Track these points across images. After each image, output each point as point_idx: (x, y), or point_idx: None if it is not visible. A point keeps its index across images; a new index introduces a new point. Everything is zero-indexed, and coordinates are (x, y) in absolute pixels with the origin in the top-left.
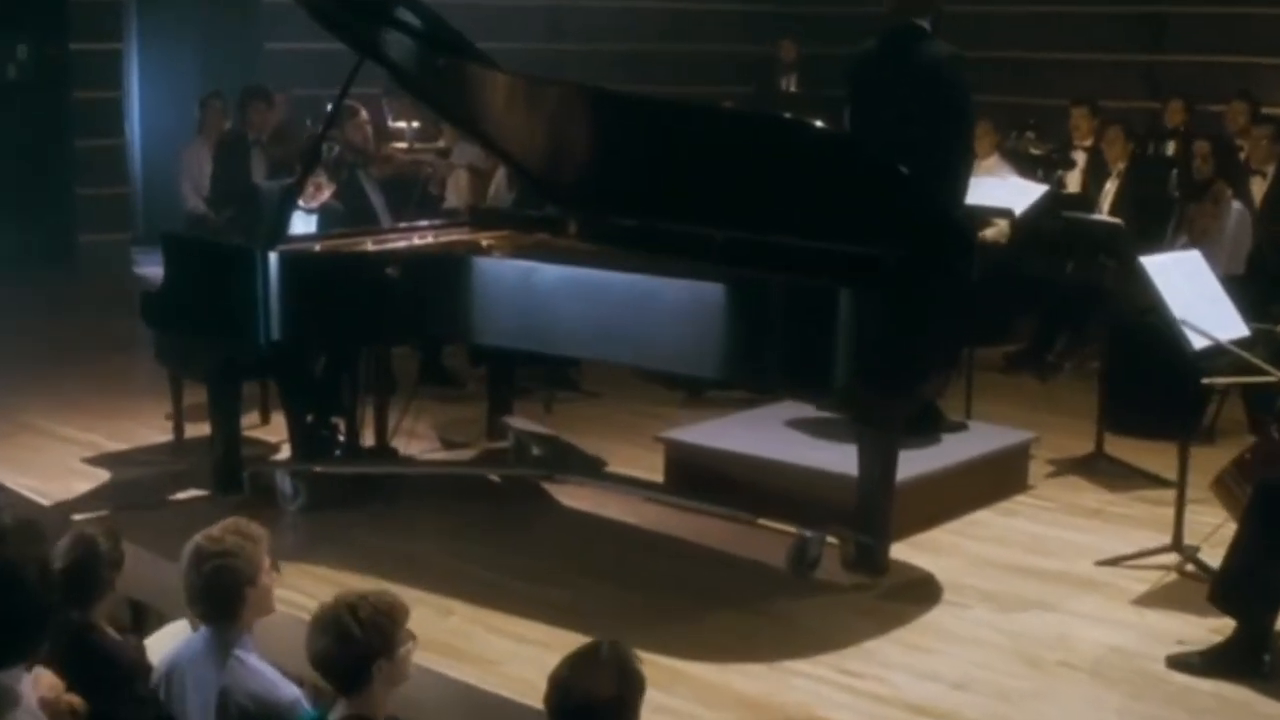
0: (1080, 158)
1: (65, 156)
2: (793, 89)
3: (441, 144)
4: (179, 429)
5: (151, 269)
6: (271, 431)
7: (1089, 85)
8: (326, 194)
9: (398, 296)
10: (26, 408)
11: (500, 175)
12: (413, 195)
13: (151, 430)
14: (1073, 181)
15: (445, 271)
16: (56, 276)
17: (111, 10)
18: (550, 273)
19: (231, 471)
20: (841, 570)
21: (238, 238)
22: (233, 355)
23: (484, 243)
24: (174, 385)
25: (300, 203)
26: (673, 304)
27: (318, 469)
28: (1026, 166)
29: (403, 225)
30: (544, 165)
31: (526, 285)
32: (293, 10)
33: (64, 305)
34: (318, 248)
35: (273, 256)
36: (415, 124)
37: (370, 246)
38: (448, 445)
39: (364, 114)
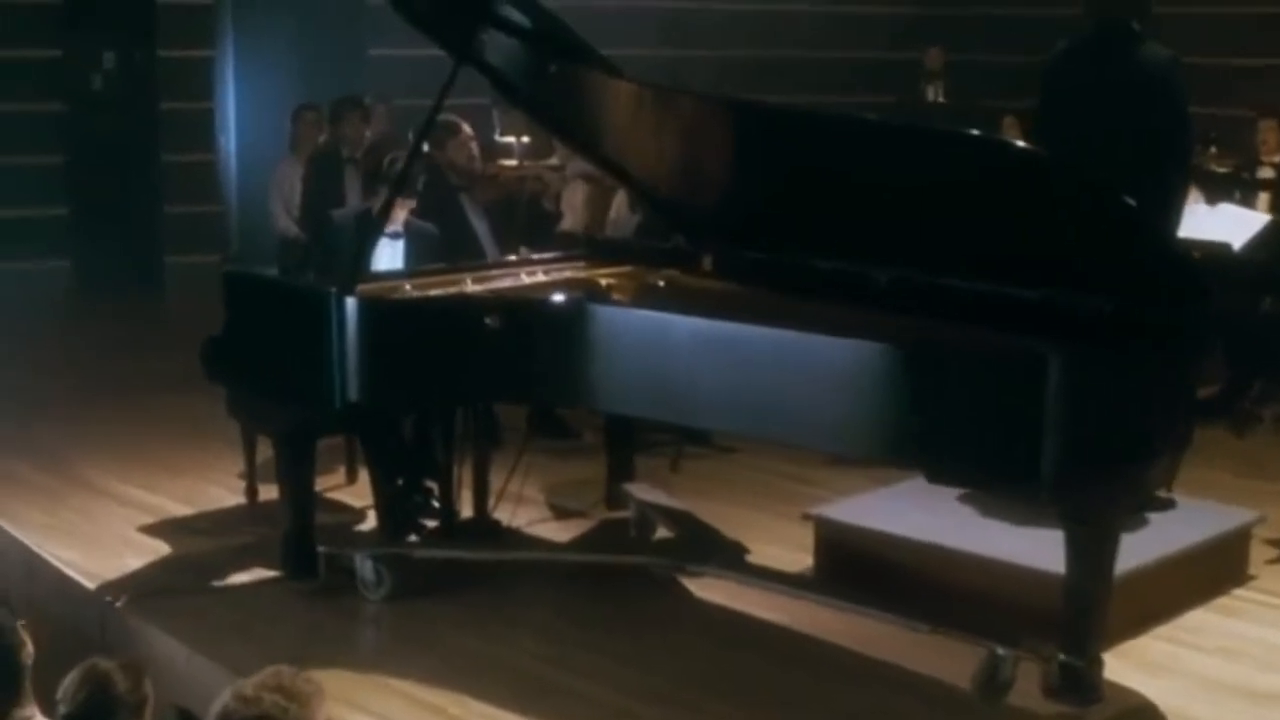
0: (1267, 174)
1: (153, 172)
2: (940, 99)
3: (555, 160)
4: (252, 491)
5: None
6: (357, 492)
7: (1277, 94)
8: (404, 213)
9: (501, 351)
10: (86, 459)
11: (621, 196)
12: (518, 214)
13: (223, 490)
14: (1260, 203)
15: (559, 322)
16: (140, 301)
17: (203, 14)
18: (684, 327)
19: (304, 553)
20: (1042, 696)
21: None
22: (304, 418)
23: (603, 282)
24: (246, 439)
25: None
26: (834, 368)
27: (404, 553)
28: (1217, 187)
29: (509, 260)
30: (674, 189)
31: (657, 341)
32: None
33: (145, 334)
34: (407, 286)
35: (350, 302)
36: (526, 139)
37: (470, 286)
38: (559, 513)
39: (466, 130)
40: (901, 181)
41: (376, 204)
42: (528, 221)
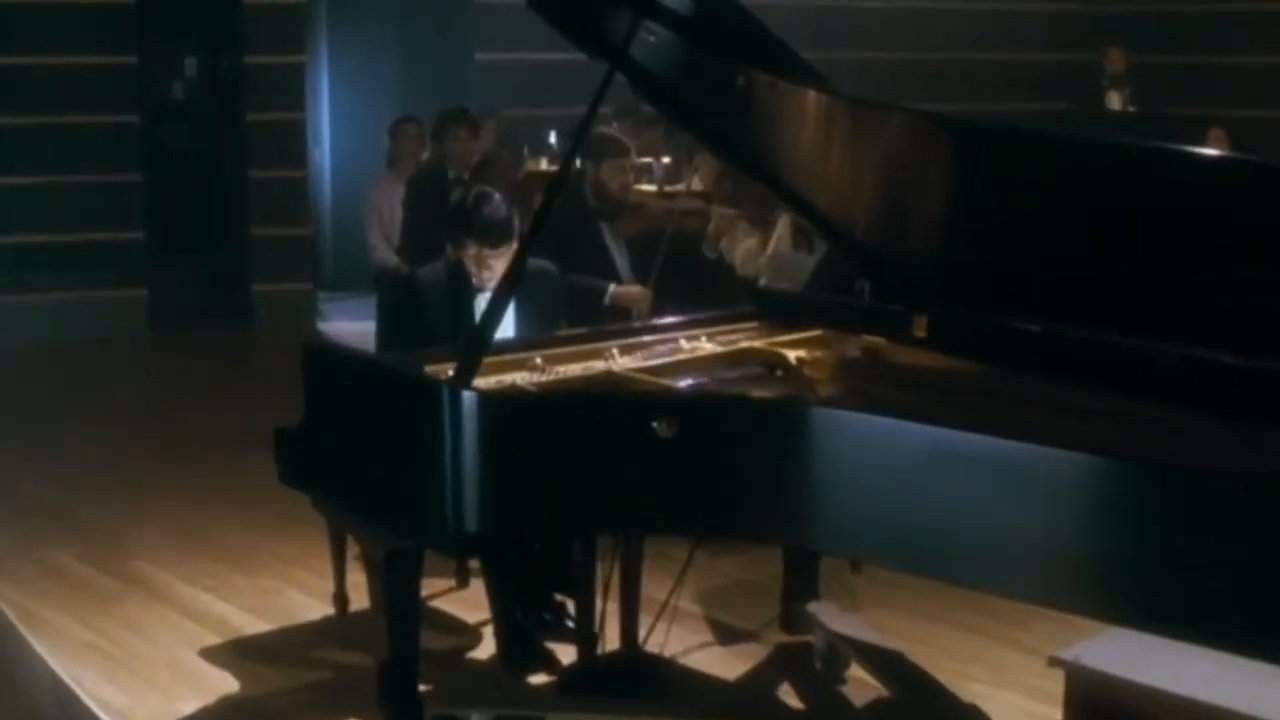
0: None
1: (239, 190)
2: (1129, 106)
3: (695, 185)
4: (341, 601)
5: (342, 324)
6: (470, 603)
7: None
8: (499, 266)
9: (674, 468)
10: (145, 546)
11: (784, 230)
12: (661, 256)
13: (307, 596)
14: None
15: (759, 430)
16: (225, 333)
17: (295, 17)
18: (934, 442)
19: (406, 707)
20: None
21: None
22: (406, 546)
23: (790, 356)
24: (334, 537)
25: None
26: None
27: (531, 714)
28: None
29: (664, 321)
30: (877, 229)
31: (895, 461)
32: (508, 14)
33: (228, 376)
34: (538, 359)
35: (468, 399)
36: (666, 160)
37: (619, 361)
38: (723, 634)
39: (632, 155)
40: (1204, 230)
41: (467, 254)
42: (678, 268)
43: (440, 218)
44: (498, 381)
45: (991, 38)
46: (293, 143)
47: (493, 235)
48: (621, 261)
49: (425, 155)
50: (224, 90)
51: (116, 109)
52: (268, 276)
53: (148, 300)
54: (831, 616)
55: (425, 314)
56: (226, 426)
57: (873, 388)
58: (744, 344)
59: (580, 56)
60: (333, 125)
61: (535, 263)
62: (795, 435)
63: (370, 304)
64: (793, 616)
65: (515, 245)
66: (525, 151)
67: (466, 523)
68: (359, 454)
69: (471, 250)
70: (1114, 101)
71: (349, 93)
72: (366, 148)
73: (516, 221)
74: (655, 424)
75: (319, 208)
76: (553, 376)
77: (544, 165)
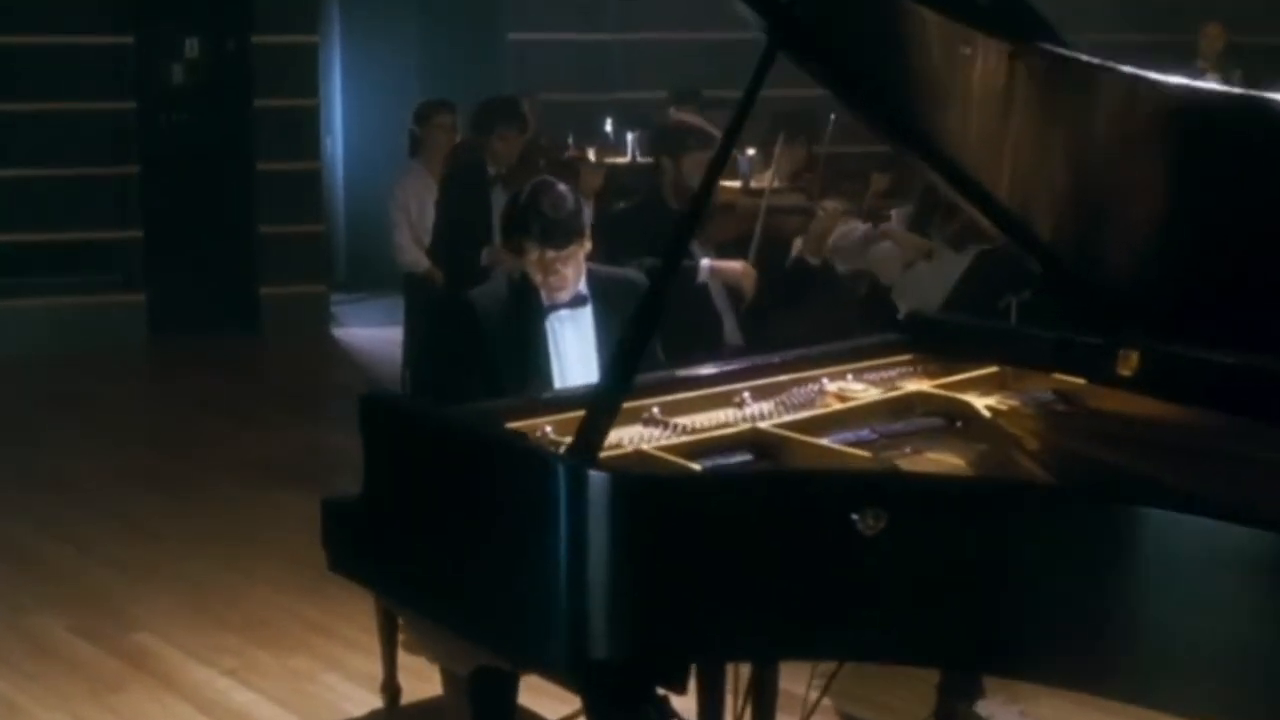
0: None
1: (246, 183)
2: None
3: (773, 181)
4: (391, 690)
5: (357, 330)
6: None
7: None
8: (570, 272)
9: (883, 576)
10: (148, 614)
11: (904, 236)
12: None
13: (347, 681)
14: None
15: (1036, 528)
16: (230, 340)
17: None
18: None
19: None
20: None
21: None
22: (500, 665)
23: (979, 405)
24: (383, 614)
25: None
26: None
27: None
28: None
29: (796, 355)
30: (1080, 237)
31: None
32: None
33: (237, 392)
34: (659, 425)
35: (597, 481)
36: (750, 151)
37: (751, 407)
38: None
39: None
40: None
41: (529, 261)
42: (777, 276)
43: (479, 217)
44: (617, 446)
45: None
46: (304, 132)
47: (558, 233)
48: (713, 279)
49: (457, 142)
50: (229, 74)
51: (110, 95)
52: (277, 278)
53: (146, 304)
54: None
55: (488, 347)
56: (238, 454)
57: (1101, 451)
58: (909, 387)
59: (624, 35)
60: (346, 112)
61: (620, 272)
62: (1096, 540)
63: (388, 307)
64: (953, 716)
65: (586, 244)
66: (570, 140)
67: (590, 646)
68: (440, 544)
69: (534, 255)
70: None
71: (365, 76)
72: (385, 137)
73: (587, 214)
74: (856, 516)
75: (333, 203)
76: (682, 435)
77: (592, 156)
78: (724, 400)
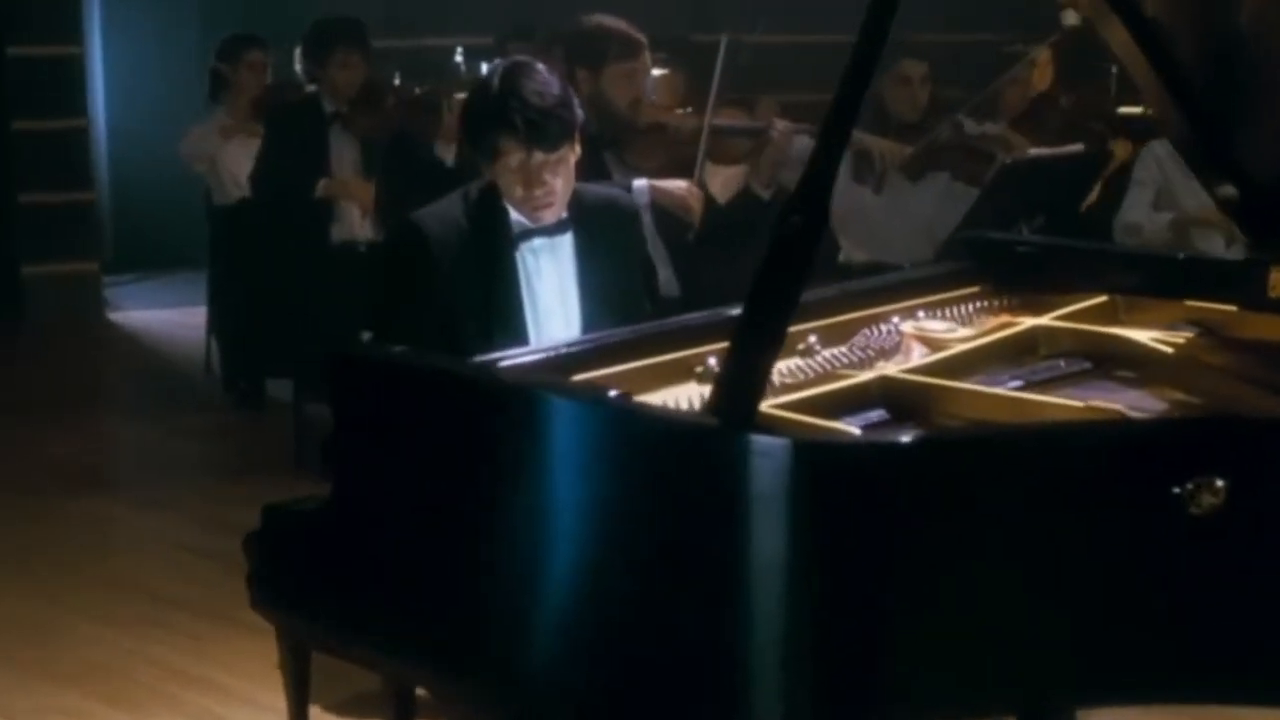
0: None
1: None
2: None
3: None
4: None
5: (134, 314)
6: None
7: None
8: (559, 183)
9: (1217, 581)
10: None
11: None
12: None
13: None
14: None
15: None
16: None
17: None
18: None
19: None
20: None
21: None
22: None
23: (1140, 338)
24: (293, 662)
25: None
26: None
27: None
28: None
29: (854, 288)
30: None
31: None
32: None
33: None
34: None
35: (778, 450)
36: (657, 71)
37: (815, 360)
38: None
39: (645, 56)
40: None
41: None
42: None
43: (316, 161)
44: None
45: None
46: (68, 84)
47: (549, 129)
48: (645, 215)
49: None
50: None
51: None
52: (41, 255)
53: None
54: None
55: (442, 283)
56: (16, 456)
57: None
58: (1007, 322)
59: None
60: (108, 62)
61: (605, 190)
62: None
63: (164, 288)
64: None
65: (578, 147)
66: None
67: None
68: (492, 567)
69: (515, 159)
70: None
71: (132, 17)
72: (158, 88)
73: (578, 107)
74: (1181, 490)
75: (98, 167)
76: (780, 394)
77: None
78: (786, 346)
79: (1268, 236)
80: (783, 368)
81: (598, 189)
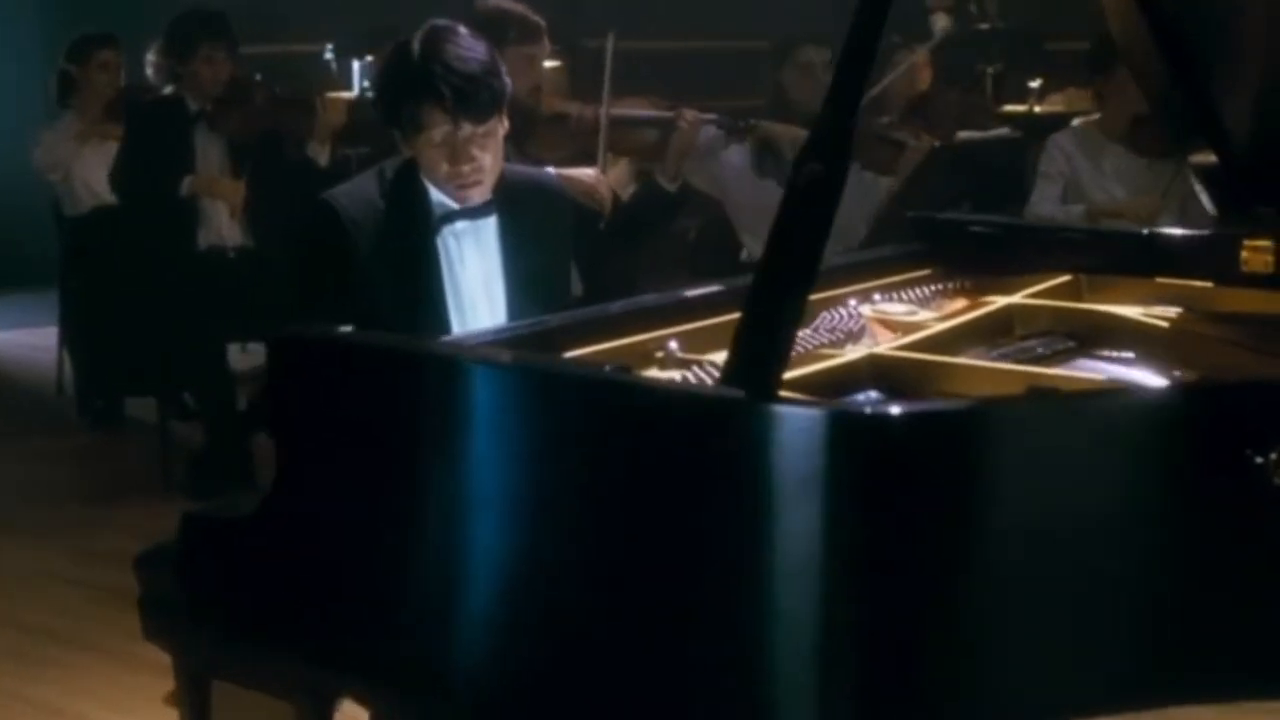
0: None
1: None
2: None
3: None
4: None
5: None
6: None
7: None
8: (487, 158)
9: None
10: None
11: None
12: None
13: None
14: None
15: None
16: None
17: None
18: None
19: None
20: None
21: None
22: None
23: (1134, 315)
24: (192, 693)
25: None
26: None
27: None
28: None
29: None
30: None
31: None
32: None
33: None
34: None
35: (815, 420)
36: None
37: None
38: None
39: (545, 41)
40: None
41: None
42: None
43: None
44: None
45: None
46: None
47: (479, 98)
48: None
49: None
50: None
51: None
52: None
53: None
54: None
55: (359, 269)
56: None
57: None
58: (1001, 301)
59: None
60: None
61: (531, 171)
62: None
63: (9, 308)
64: None
65: (502, 115)
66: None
67: None
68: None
69: (439, 132)
70: None
71: None
72: None
73: (505, 76)
74: (1261, 456)
75: None
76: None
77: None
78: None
79: (1239, 208)
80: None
81: (523, 169)
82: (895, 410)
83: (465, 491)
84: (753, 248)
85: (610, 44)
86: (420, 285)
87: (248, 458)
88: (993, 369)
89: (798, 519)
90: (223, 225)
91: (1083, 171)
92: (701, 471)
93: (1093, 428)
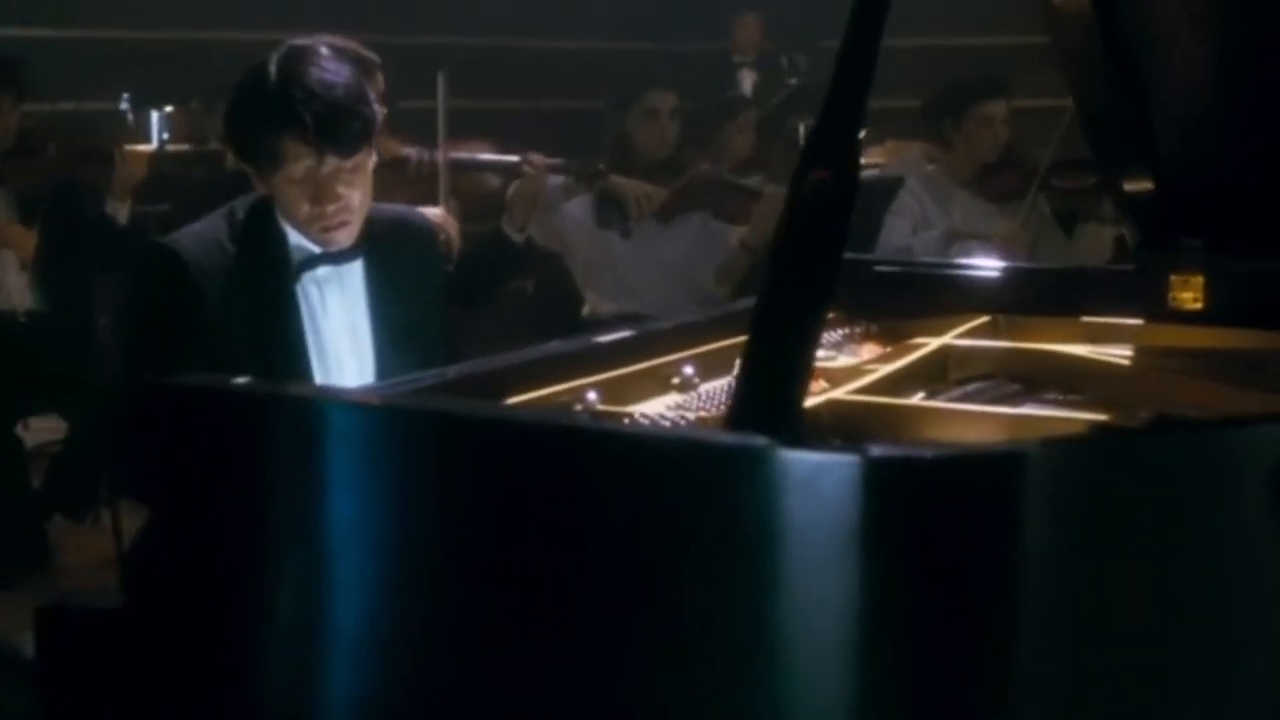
0: None
1: None
2: None
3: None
4: None
5: None
6: None
7: None
8: (355, 194)
9: None
10: None
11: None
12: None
13: None
14: None
15: None
16: None
17: None
18: None
19: None
20: None
21: None
22: None
23: (1082, 353)
24: None
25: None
26: None
27: None
28: None
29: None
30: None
31: None
32: None
33: None
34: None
35: (846, 466)
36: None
37: (699, 392)
38: None
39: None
40: None
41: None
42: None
43: None
44: None
45: None
46: None
47: (346, 127)
48: None
49: None
50: None
51: None
52: None
53: None
54: None
55: (207, 320)
56: None
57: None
58: (934, 342)
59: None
60: None
61: (397, 209)
62: None
63: None
64: None
65: (371, 148)
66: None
67: None
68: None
69: (300, 166)
70: None
71: None
72: None
73: (375, 102)
74: None
75: None
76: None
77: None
78: (661, 379)
79: (1163, 242)
80: (663, 406)
81: (390, 207)
82: (950, 454)
83: (393, 575)
84: (595, 303)
85: (441, 84)
86: (279, 338)
87: (43, 541)
88: (978, 413)
89: (829, 580)
90: (12, 288)
91: (932, 215)
92: (704, 529)
93: (1174, 465)
